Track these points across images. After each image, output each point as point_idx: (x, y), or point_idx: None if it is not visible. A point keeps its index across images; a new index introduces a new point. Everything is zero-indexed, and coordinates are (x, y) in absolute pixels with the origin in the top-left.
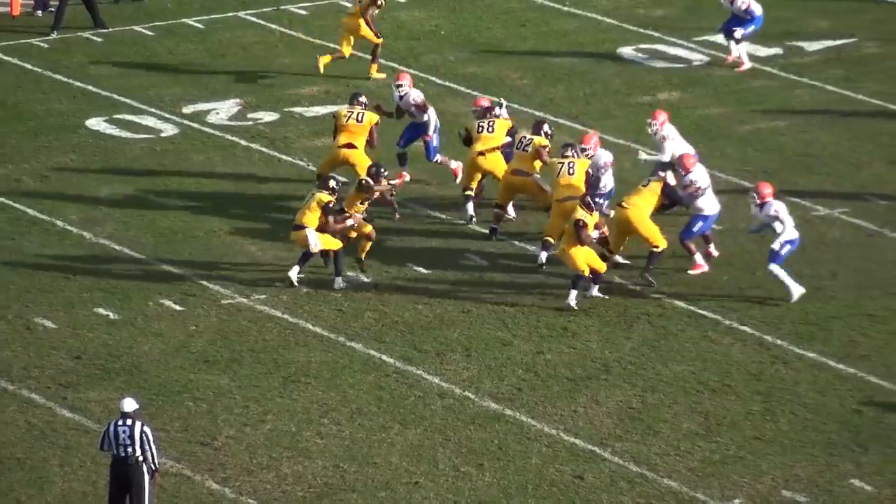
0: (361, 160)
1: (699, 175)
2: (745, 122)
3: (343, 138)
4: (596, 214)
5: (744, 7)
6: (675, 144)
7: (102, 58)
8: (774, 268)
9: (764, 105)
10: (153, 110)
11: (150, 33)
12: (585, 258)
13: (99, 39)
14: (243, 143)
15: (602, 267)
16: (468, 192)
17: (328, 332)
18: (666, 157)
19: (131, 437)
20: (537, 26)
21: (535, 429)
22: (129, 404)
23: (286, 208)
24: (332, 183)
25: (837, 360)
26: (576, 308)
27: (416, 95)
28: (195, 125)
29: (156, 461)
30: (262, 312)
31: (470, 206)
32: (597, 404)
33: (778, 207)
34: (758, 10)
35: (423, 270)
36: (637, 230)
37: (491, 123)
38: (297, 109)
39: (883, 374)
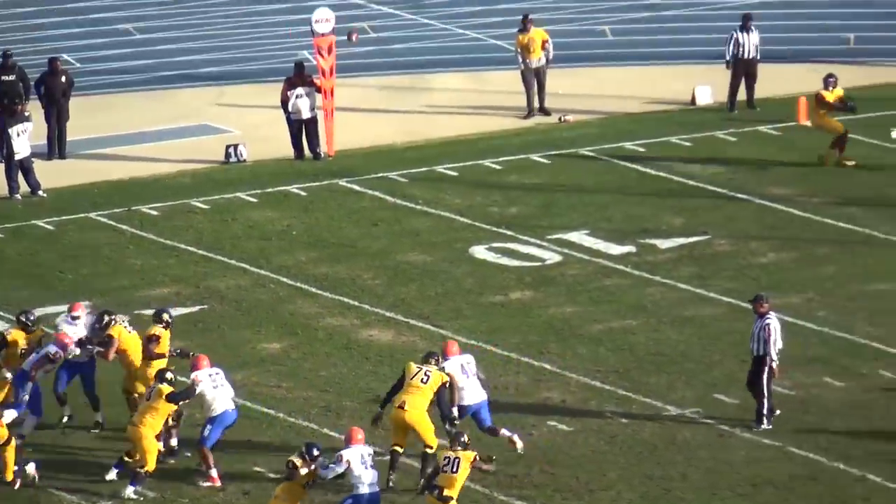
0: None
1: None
2: (598, 321)
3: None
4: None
5: None
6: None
7: None
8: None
9: (616, 304)
10: (1, 314)
11: None
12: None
13: None
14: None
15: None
16: None
17: None
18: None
19: None
20: (390, 225)
21: None
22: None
23: None
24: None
25: None
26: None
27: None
28: (45, 329)
29: None
30: None
31: None
32: None
33: (459, 366)
34: None
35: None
36: (415, 430)
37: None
38: (147, 312)
39: None
